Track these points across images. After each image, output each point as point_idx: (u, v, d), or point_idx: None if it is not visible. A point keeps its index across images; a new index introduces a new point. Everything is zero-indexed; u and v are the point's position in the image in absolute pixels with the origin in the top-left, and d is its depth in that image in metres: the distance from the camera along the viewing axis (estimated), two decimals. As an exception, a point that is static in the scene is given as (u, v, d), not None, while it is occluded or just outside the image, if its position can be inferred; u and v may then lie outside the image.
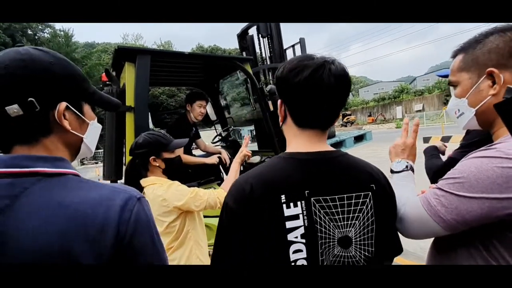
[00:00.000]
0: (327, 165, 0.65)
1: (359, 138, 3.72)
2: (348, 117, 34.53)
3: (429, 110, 27.82)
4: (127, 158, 1.95)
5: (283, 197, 0.60)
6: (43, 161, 0.49)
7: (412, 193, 0.75)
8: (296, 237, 0.61)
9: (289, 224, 0.60)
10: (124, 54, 1.93)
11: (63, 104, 0.52)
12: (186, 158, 2.51)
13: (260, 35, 3.16)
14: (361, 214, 0.64)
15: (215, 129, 3.48)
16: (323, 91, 0.62)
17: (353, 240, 0.65)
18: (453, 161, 1.07)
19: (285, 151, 0.70)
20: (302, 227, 0.61)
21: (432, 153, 1.44)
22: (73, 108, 0.54)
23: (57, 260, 0.43)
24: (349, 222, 0.64)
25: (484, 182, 0.56)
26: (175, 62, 2.50)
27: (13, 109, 0.47)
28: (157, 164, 1.38)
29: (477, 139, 1.04)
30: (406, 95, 33.08)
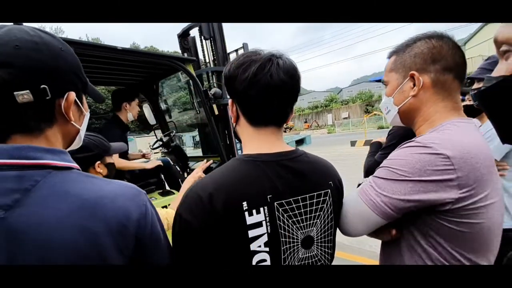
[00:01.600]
0: (290, 167, 0.63)
1: (299, 142, 3.96)
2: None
3: (354, 117, 31.68)
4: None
5: (244, 204, 0.55)
6: (51, 153, 0.47)
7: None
8: (260, 246, 0.57)
9: (252, 233, 0.56)
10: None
11: (72, 94, 0.50)
12: (122, 162, 2.24)
13: (202, 37, 3.06)
14: (322, 213, 0.64)
15: (155, 135, 3.21)
16: (271, 86, 0.59)
17: (315, 239, 0.64)
18: (376, 164, 1.20)
19: (244, 153, 0.65)
20: (266, 235, 0.57)
21: (373, 150, 1.52)
22: (76, 99, 0.52)
23: (85, 253, 0.42)
24: (312, 221, 0.63)
25: (405, 167, 0.63)
26: (106, 58, 2.20)
27: (23, 95, 0.43)
28: (100, 170, 1.19)
29: (394, 142, 1.24)
30: (335, 104, 37.11)
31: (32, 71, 0.44)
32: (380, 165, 0.70)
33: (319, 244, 0.65)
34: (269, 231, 0.57)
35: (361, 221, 0.70)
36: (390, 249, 0.77)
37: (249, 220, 0.56)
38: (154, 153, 2.98)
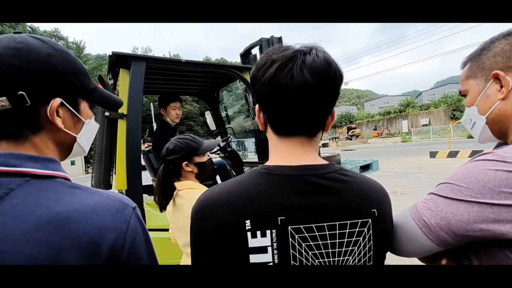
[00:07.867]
0: (316, 184, 0.52)
1: (364, 168, 3.44)
2: (353, 130, 34.34)
3: (436, 125, 27.45)
4: (118, 167, 1.88)
5: (247, 222, 0.48)
6: (32, 161, 0.45)
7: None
8: None
9: (253, 258, 0.48)
10: (119, 60, 1.88)
11: (57, 101, 0.48)
12: None
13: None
14: (356, 248, 0.52)
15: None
16: (291, 89, 0.50)
17: None
18: None
19: (263, 164, 0.58)
20: (270, 264, 0.49)
21: None
22: (68, 105, 0.50)
23: None
24: (341, 258, 0.51)
25: (474, 186, 0.52)
26: (172, 70, 2.45)
27: (0, 102, 0.43)
28: (190, 169, 1.35)
29: None
30: (412, 109, 32.85)
31: (9, 78, 0.43)
32: (443, 180, 0.59)
33: None
34: (276, 260, 0.48)
35: (409, 242, 0.58)
36: None
37: (252, 242, 0.48)
38: (215, 156, 3.14)
